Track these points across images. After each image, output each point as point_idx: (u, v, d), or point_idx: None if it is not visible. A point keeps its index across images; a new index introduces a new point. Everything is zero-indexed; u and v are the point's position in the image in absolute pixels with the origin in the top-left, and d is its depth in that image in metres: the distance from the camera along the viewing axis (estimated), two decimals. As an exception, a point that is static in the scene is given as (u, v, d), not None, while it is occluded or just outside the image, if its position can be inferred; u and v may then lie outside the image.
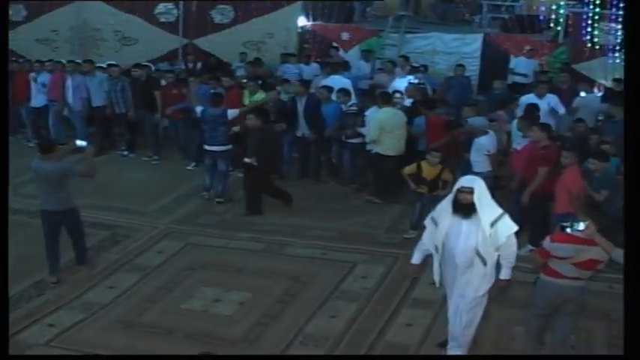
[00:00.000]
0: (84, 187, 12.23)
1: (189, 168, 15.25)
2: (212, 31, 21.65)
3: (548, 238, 7.73)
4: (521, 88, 16.45)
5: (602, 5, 19.10)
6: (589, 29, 19.22)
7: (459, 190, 7.64)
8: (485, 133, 12.19)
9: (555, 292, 7.89)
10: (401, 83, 15.77)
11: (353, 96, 14.83)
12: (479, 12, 20.76)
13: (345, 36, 20.47)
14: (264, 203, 13.11)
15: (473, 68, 19.51)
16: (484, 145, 12.03)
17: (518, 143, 12.15)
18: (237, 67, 19.96)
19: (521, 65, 18.45)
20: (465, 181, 7.76)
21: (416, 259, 8.49)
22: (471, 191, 7.55)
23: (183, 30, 21.75)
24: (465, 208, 7.62)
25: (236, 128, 13.69)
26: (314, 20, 21.12)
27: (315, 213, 13.02)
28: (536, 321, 8.28)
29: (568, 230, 7.49)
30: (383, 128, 12.95)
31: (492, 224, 7.57)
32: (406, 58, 18.25)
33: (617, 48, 18.98)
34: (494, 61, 19.29)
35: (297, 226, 12.40)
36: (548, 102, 14.01)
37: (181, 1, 21.60)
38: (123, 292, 10.07)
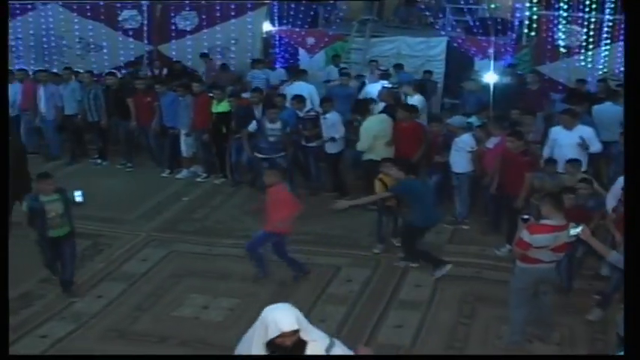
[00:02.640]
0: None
1: (164, 175, 15.27)
2: (176, 38, 21.69)
3: (525, 231, 8.25)
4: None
5: (566, 8, 19.53)
6: (553, 31, 19.66)
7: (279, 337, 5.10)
8: (466, 131, 12.45)
9: (536, 277, 8.60)
10: (373, 88, 15.98)
11: (311, 102, 15.38)
12: (442, 15, 21.00)
13: (310, 41, 20.63)
14: (239, 208, 13.25)
15: (438, 71, 19.81)
16: (466, 142, 12.29)
17: (490, 142, 12.33)
18: (204, 73, 20.06)
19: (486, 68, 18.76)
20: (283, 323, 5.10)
21: None
22: (295, 332, 5.10)
23: (147, 36, 21.74)
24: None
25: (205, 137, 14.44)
26: (279, 25, 21.24)
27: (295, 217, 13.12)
28: (520, 310, 8.77)
29: (543, 221, 8.30)
30: (375, 136, 13.10)
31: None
32: (376, 62, 18.51)
33: (580, 50, 19.45)
34: (458, 63, 19.62)
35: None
36: (580, 134, 12.07)
37: (145, 8, 21.59)
38: (111, 301, 10.15)
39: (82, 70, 17.22)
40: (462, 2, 20.36)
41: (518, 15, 20.14)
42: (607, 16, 19.30)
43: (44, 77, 16.53)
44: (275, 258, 10.97)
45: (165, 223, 12.97)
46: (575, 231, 7.95)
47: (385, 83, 16.21)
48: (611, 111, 14.06)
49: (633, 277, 5.94)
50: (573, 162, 10.94)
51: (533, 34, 19.80)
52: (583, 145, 11.84)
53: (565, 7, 19.47)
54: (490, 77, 16.90)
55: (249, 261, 10.82)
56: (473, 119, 13.56)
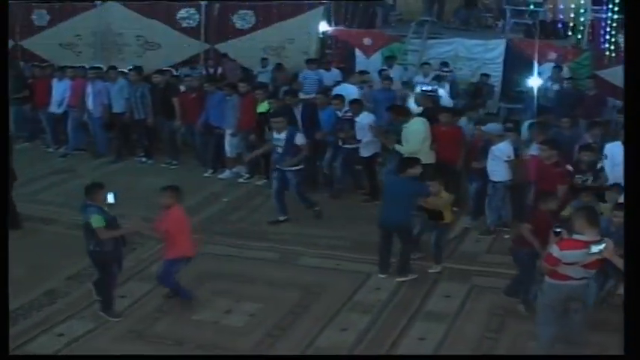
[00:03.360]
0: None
1: (206, 175, 15.15)
2: (233, 36, 21.59)
3: (555, 247, 7.82)
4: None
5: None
6: (612, 35, 18.97)
7: None
8: (502, 139, 12.02)
9: (565, 294, 8.14)
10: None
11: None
12: (502, 17, 20.46)
13: (367, 41, 20.24)
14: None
15: (496, 74, 19.32)
16: (503, 151, 11.84)
17: (533, 149, 11.92)
18: (260, 72, 19.94)
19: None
20: None
21: None
22: None
23: (204, 35, 21.71)
24: None
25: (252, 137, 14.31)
26: (336, 25, 20.96)
27: (330, 222, 12.89)
28: (548, 328, 8.35)
29: (576, 236, 7.75)
30: (424, 139, 12.81)
31: None
32: (429, 64, 18.14)
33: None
34: (517, 67, 19.10)
35: (312, 236, 12.29)
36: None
37: (203, 6, 21.54)
38: (135, 301, 10.04)
39: (136, 67, 17.17)
40: (523, 5, 19.77)
41: (580, 18, 19.43)
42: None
43: (93, 74, 16.58)
44: (300, 262, 10.79)
45: (201, 223, 12.79)
46: (597, 248, 7.51)
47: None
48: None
49: (633, 277, 6.02)
50: (618, 185, 10.12)
51: (592, 37, 19.08)
52: None
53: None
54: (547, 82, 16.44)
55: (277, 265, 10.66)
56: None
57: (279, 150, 12.68)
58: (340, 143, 14.02)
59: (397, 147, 12.92)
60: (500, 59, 19.50)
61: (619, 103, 17.78)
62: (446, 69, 17.77)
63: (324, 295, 10.20)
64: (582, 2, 19.54)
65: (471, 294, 10.15)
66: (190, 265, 10.97)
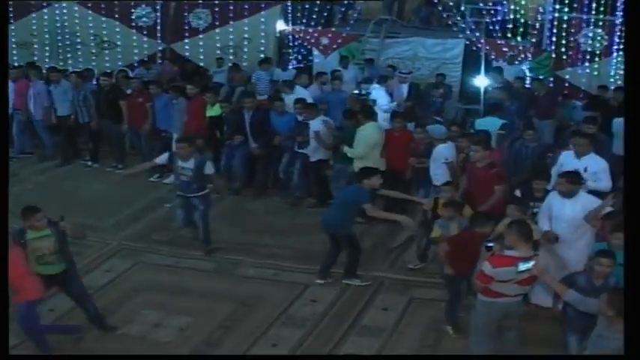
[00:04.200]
0: (42, 201, 11.53)
1: (152, 179, 14.74)
2: (190, 36, 21.19)
3: (487, 264, 7.45)
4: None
5: (590, 11, 18.63)
6: (575, 35, 18.73)
7: None
8: (444, 141, 11.67)
9: (501, 312, 7.78)
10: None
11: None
12: (462, 16, 20.09)
13: (324, 41, 19.92)
14: (220, 217, 12.70)
15: (455, 74, 19.02)
16: (442, 153, 11.49)
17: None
18: (215, 72, 19.57)
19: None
20: None
21: None
22: None
23: (161, 34, 21.30)
24: None
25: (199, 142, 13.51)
26: (293, 24, 20.59)
27: (274, 229, 12.53)
28: (481, 347, 8.02)
29: (508, 252, 7.45)
30: (375, 144, 12.39)
31: None
32: (393, 67, 17.85)
33: (604, 55, 18.53)
34: (477, 67, 18.81)
35: (253, 244, 11.92)
36: (586, 166, 10.11)
37: (159, 5, 21.12)
38: (62, 315, 9.59)
39: (78, 70, 16.80)
40: (482, 4, 19.46)
41: (539, 18, 19.16)
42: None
43: (34, 74, 16.12)
44: (238, 272, 10.45)
45: (141, 231, 12.44)
46: (525, 266, 7.21)
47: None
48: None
49: (633, 277, 6.10)
50: None
51: (554, 37, 18.80)
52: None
53: (589, 10, 18.52)
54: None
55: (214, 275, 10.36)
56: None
57: (185, 178, 11.22)
58: (296, 148, 13.63)
59: (346, 149, 12.52)
60: (460, 59, 19.23)
61: (578, 104, 17.66)
62: (404, 71, 17.35)
63: (259, 308, 9.86)
64: (543, 2, 19.31)
65: (409, 307, 9.82)
66: (126, 276, 10.69)
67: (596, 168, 10.03)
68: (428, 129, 12.16)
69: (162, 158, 11.78)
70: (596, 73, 18.55)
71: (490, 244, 7.73)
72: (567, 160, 10.36)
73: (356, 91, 15.00)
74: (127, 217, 12.99)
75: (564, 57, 18.80)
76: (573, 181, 9.15)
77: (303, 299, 10.09)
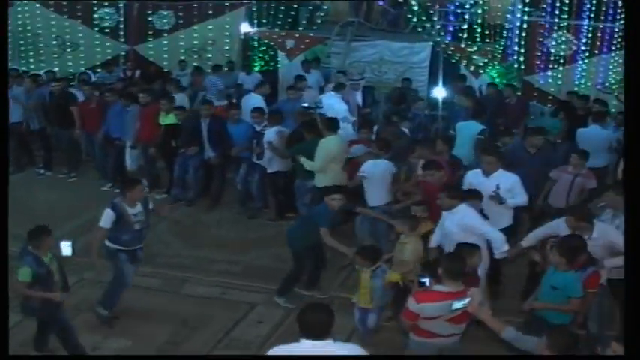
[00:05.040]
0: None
1: (104, 189, 14.32)
2: (153, 38, 20.80)
3: (412, 299, 6.98)
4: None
5: (559, 14, 18.33)
6: (544, 39, 18.42)
7: None
8: (371, 158, 11.25)
9: (432, 352, 7.23)
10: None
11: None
12: (430, 19, 19.70)
13: (289, 43, 19.55)
14: (171, 230, 12.30)
15: (422, 79, 18.68)
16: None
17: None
18: (178, 75, 19.16)
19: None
20: None
21: None
22: None
23: (124, 36, 20.88)
24: None
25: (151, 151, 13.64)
26: (258, 26, 20.21)
27: (227, 244, 12.14)
28: None
29: (436, 287, 7.00)
30: (334, 158, 11.81)
31: None
32: (344, 73, 17.35)
33: (573, 59, 18.24)
34: (443, 71, 18.49)
35: (204, 259, 11.54)
36: (497, 184, 9.73)
37: (122, 6, 20.71)
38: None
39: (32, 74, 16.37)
40: (450, 6, 19.14)
41: (508, 21, 18.85)
42: (604, 25, 18.07)
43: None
44: (184, 290, 10.08)
45: (87, 244, 11.94)
46: (460, 303, 6.83)
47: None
48: (597, 136, 12.95)
49: (633, 277, 5.99)
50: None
51: (523, 41, 18.48)
52: (496, 197, 9.55)
53: (559, 13, 18.23)
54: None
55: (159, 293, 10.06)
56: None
57: (138, 226, 9.65)
58: (254, 159, 13.22)
59: (303, 162, 11.98)
60: (426, 63, 18.88)
61: (547, 109, 17.39)
62: (357, 77, 16.93)
63: (201, 330, 9.48)
64: (511, 5, 19.01)
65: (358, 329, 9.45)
66: (69, 294, 10.24)
67: (509, 185, 9.70)
68: (352, 149, 11.94)
69: (107, 219, 9.64)
70: (565, 78, 18.27)
71: (424, 280, 7.29)
72: (475, 179, 10.02)
73: (305, 104, 14.42)
74: (77, 229, 12.50)
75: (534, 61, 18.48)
76: (451, 195, 8.95)
77: (248, 320, 9.73)
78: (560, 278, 7.65)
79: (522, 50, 18.53)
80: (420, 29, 19.48)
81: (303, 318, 5.72)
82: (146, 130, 13.99)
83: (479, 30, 18.75)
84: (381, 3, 20.37)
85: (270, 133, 12.62)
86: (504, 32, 18.76)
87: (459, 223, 8.76)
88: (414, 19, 19.59)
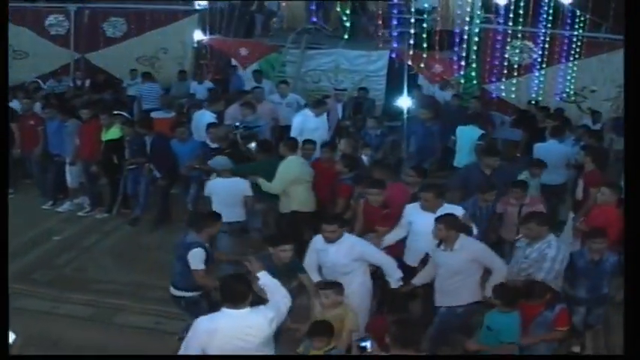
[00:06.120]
0: None
1: (45, 207, 13.75)
2: (105, 46, 20.23)
3: None
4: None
5: (516, 22, 18.01)
6: (504, 47, 18.05)
7: None
8: (219, 174, 10.87)
9: None
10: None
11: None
12: (387, 27, 19.26)
13: (243, 52, 19.01)
14: (111, 252, 11.81)
15: (379, 88, 18.25)
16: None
17: None
18: (129, 85, 18.64)
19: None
20: None
21: None
22: None
23: (75, 44, 20.27)
24: None
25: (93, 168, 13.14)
26: (211, 34, 19.70)
27: (165, 268, 11.52)
28: None
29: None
30: (295, 179, 11.05)
31: None
32: (286, 83, 16.66)
33: (533, 67, 17.90)
34: (401, 81, 18.06)
35: (142, 286, 10.94)
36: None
37: (72, 13, 20.13)
38: None
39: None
40: (408, 13, 18.70)
41: (467, 28, 18.46)
42: (564, 32, 17.76)
43: None
44: (116, 320, 9.51)
45: (21, 269, 11.36)
46: (363, 343, 6.77)
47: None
48: (555, 151, 12.51)
49: (633, 277, 6.10)
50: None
51: (482, 49, 18.10)
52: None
53: (515, 21, 17.89)
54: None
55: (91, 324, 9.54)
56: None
57: None
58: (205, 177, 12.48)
59: (261, 182, 11.10)
60: (384, 72, 18.47)
61: (507, 118, 17.05)
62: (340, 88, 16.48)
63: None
64: (471, 12, 18.64)
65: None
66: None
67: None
68: (210, 162, 11.31)
69: (200, 259, 8.59)
70: (524, 87, 17.96)
71: (364, 344, 6.94)
72: (415, 215, 9.18)
73: (237, 123, 13.76)
74: (13, 252, 11.92)
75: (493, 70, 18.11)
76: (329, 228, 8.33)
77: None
78: (497, 319, 7.26)
79: (481, 59, 18.14)
80: (376, 36, 19.03)
81: (222, 289, 6.51)
82: (87, 147, 13.42)
83: (438, 38, 18.34)
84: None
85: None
86: (462, 40, 18.34)
87: (347, 253, 8.26)
88: (372, 27, 19.14)
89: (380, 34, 19.14)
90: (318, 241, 8.50)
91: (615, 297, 9.09)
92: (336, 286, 7.69)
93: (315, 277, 8.41)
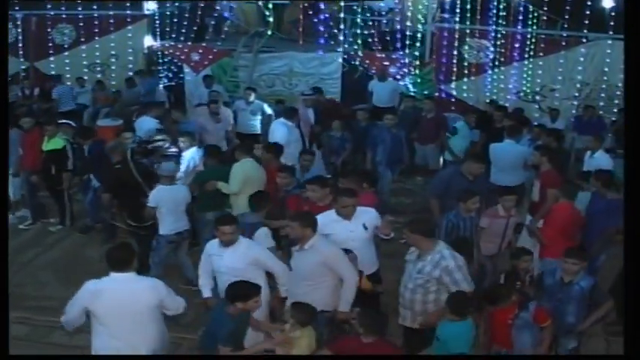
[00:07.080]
0: None
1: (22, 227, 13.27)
2: (54, 53, 19.78)
3: None
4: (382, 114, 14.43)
5: (471, 20, 17.80)
6: (460, 46, 17.81)
7: None
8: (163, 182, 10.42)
9: None
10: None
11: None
12: (340, 28, 18.91)
13: (195, 56, 18.64)
14: (51, 266, 11.48)
15: (333, 91, 17.95)
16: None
17: None
18: (79, 93, 18.23)
19: (380, 89, 16.91)
20: None
21: None
22: None
23: (23, 52, 19.79)
24: None
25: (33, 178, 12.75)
26: (161, 39, 19.32)
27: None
28: None
29: None
30: (246, 181, 10.72)
31: None
32: (252, 89, 16.36)
33: (489, 66, 17.68)
34: (355, 82, 17.81)
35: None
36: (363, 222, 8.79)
37: (19, 20, 19.60)
38: None
39: None
40: (362, 14, 18.43)
41: (422, 28, 18.21)
42: (520, 30, 17.56)
43: None
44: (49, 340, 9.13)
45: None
46: None
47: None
48: (511, 151, 12.28)
49: (633, 277, 6.14)
50: None
51: (437, 48, 17.86)
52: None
53: (474, 19, 17.69)
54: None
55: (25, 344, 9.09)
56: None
57: None
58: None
59: (221, 185, 10.85)
60: (338, 74, 18.19)
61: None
62: (308, 92, 15.83)
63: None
64: (425, 12, 18.43)
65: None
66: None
67: (375, 221, 8.78)
68: (158, 169, 10.92)
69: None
70: (481, 86, 17.78)
71: None
72: (333, 222, 8.65)
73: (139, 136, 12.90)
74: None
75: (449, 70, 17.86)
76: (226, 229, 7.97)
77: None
78: (446, 329, 6.96)
79: (436, 58, 17.90)
80: (329, 38, 18.76)
81: (109, 255, 7.01)
82: (29, 157, 13.05)
83: (393, 38, 18.10)
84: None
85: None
86: (418, 40, 18.10)
87: (243, 256, 7.95)
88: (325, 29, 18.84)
89: (333, 35, 18.80)
90: (212, 246, 8.21)
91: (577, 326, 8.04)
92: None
93: (209, 284, 8.25)
